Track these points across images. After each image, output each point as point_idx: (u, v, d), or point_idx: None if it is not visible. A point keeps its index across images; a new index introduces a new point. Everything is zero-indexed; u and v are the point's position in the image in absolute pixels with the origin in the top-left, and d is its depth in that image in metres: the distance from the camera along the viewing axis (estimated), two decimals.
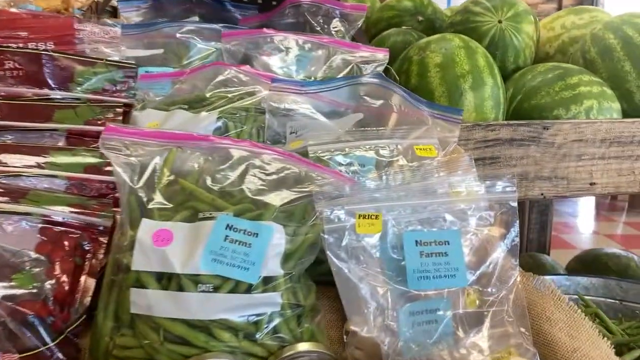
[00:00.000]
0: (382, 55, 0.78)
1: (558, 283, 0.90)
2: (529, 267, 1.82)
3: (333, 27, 0.84)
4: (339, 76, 0.75)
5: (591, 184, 0.89)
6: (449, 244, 0.46)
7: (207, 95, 0.64)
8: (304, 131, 0.62)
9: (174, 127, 0.61)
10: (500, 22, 0.97)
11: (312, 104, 0.64)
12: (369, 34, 1.18)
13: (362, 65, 0.76)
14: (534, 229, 2.03)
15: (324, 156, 0.54)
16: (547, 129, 0.85)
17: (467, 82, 0.83)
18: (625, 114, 0.97)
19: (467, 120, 0.83)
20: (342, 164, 0.54)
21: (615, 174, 0.89)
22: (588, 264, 1.83)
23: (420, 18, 1.12)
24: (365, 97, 0.63)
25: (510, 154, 0.84)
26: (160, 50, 0.78)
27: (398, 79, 0.82)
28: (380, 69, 0.78)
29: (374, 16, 1.19)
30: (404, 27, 1.06)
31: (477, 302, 0.46)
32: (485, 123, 0.82)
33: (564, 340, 0.46)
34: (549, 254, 2.03)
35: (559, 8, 4.56)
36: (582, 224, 3.57)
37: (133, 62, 0.68)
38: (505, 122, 0.83)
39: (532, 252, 1.87)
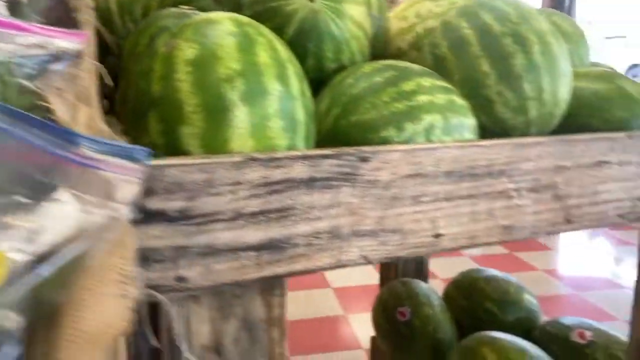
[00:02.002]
0: (71, 44, 0.44)
1: None
2: (399, 296, 1.58)
3: None
4: None
5: (436, 235, 0.61)
6: None
7: None
8: None
9: None
10: (312, 0, 0.67)
11: None
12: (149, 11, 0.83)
13: (28, 63, 0.42)
14: None
15: None
16: (367, 160, 0.56)
17: (236, 88, 0.51)
18: (485, 130, 0.71)
19: (240, 150, 0.52)
20: None
21: (469, 220, 0.63)
22: (464, 289, 1.63)
23: None
24: None
25: (311, 203, 0.54)
26: None
27: (113, 84, 0.49)
28: (70, 68, 0.44)
29: None
30: (185, 8, 0.73)
31: None
32: (265, 155, 0.51)
33: None
34: (426, 279, 1.81)
35: None
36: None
37: None
38: (300, 153, 0.53)
39: (405, 279, 1.64)
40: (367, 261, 0.58)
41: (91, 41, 0.45)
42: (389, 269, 1.80)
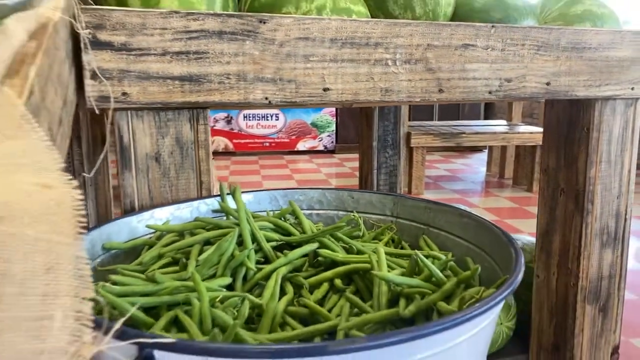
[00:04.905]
0: None
1: (291, 197, 0.83)
2: None
3: None
4: None
5: (325, 89, 0.82)
6: None
7: None
8: None
9: None
10: None
11: None
12: None
13: None
14: (383, 192, 2.00)
15: None
16: (265, 22, 0.77)
17: None
18: None
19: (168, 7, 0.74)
20: None
21: (352, 79, 0.83)
22: None
23: None
24: None
25: (221, 50, 0.75)
26: None
27: None
28: None
29: None
30: None
31: None
32: (185, 11, 0.72)
33: None
34: None
35: None
36: (468, 199, 3.65)
37: None
38: (212, 12, 0.74)
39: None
40: (269, 102, 0.79)
41: None
42: None
